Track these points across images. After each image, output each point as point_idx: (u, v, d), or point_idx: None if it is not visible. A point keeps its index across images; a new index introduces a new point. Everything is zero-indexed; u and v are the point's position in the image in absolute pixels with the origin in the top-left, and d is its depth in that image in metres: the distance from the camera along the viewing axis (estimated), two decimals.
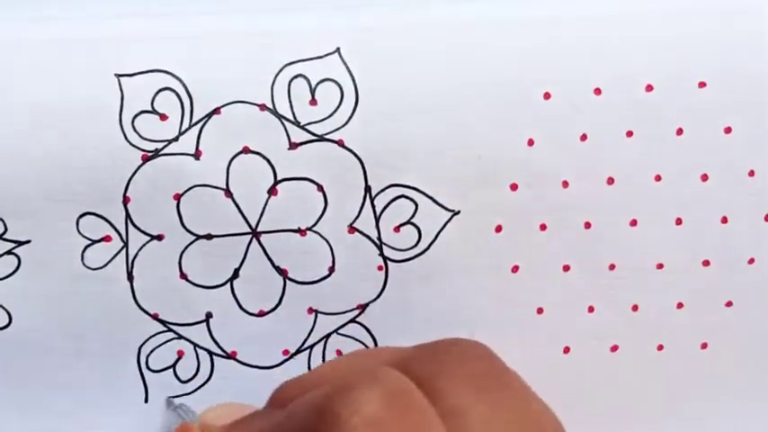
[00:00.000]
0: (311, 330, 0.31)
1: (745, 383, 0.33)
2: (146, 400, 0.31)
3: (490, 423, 0.21)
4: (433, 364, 0.22)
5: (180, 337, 0.30)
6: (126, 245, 0.29)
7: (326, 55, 0.29)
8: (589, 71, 0.30)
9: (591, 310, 0.32)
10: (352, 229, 0.30)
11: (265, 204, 0.30)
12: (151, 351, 0.30)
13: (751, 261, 0.32)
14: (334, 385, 0.21)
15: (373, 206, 0.30)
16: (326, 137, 0.29)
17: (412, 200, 0.30)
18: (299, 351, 0.31)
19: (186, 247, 0.30)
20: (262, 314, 0.31)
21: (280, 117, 0.29)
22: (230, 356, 0.31)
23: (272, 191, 0.29)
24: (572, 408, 0.33)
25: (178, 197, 0.29)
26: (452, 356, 0.22)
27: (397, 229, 0.30)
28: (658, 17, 0.30)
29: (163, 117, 0.29)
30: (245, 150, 0.29)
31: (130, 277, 0.30)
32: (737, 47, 0.30)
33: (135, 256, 0.29)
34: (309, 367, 0.31)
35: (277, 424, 0.23)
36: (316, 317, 0.31)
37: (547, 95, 0.30)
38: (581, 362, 0.32)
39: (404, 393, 0.21)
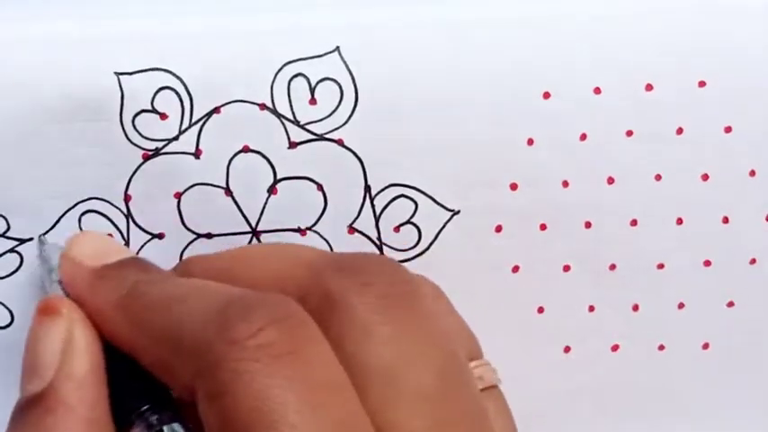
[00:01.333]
0: None
1: (746, 383, 0.33)
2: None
3: (396, 342, 0.21)
4: (347, 278, 0.22)
5: None
6: (127, 243, 0.29)
7: (326, 54, 0.29)
8: (589, 71, 0.30)
9: (591, 309, 0.32)
10: (351, 229, 0.30)
11: (265, 203, 0.30)
12: None
13: (752, 261, 0.32)
14: (234, 298, 0.21)
15: (373, 206, 0.30)
16: (326, 136, 0.29)
17: (412, 199, 0.30)
18: None
19: (186, 246, 0.30)
20: None
21: (279, 116, 0.29)
22: None
23: (272, 190, 0.30)
24: (572, 407, 0.33)
25: (178, 196, 0.29)
26: (367, 273, 0.22)
27: (396, 228, 0.30)
28: (658, 17, 0.30)
29: (163, 116, 0.29)
30: (245, 149, 0.29)
31: None
32: (737, 47, 0.30)
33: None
34: None
35: (163, 297, 0.22)
36: None
37: (547, 95, 0.30)
38: (581, 362, 0.32)
39: (300, 321, 0.21)
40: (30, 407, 0.23)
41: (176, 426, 0.22)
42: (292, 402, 0.19)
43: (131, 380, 0.24)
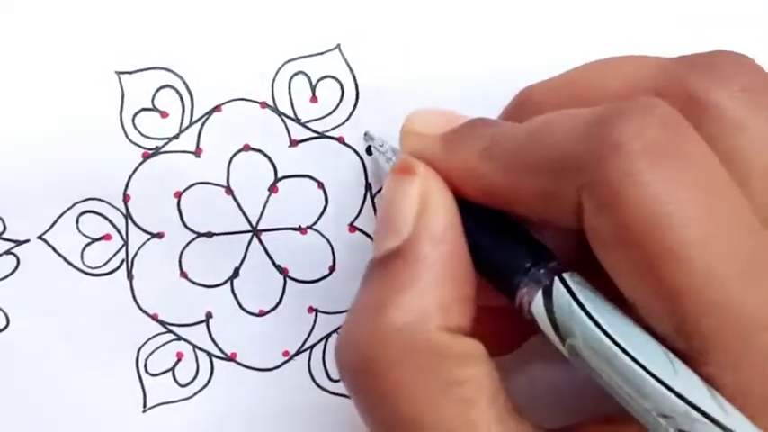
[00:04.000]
0: (311, 330, 0.31)
1: None
2: (144, 405, 0.30)
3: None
4: (704, 76, 0.21)
5: (179, 338, 0.30)
6: (126, 243, 0.29)
7: (327, 51, 0.29)
8: None
9: None
10: (352, 227, 0.30)
11: (266, 202, 0.29)
12: (150, 354, 0.30)
13: None
14: (605, 109, 0.20)
15: (373, 203, 0.30)
16: (327, 134, 0.29)
17: None
18: (298, 352, 0.31)
19: (186, 246, 0.29)
20: (262, 314, 0.30)
21: (280, 114, 0.29)
22: (230, 358, 0.31)
23: (272, 188, 0.29)
24: None
25: (179, 195, 0.29)
26: (723, 69, 0.21)
27: None
28: (658, 17, 0.30)
29: (163, 114, 0.29)
30: (246, 148, 0.29)
31: (130, 276, 0.29)
32: (737, 47, 0.30)
33: (135, 255, 0.29)
34: (309, 369, 0.31)
35: (524, 136, 0.22)
36: (316, 316, 0.31)
37: None
38: None
39: (678, 122, 0.20)
40: (386, 262, 0.23)
41: (573, 274, 0.21)
42: (688, 203, 0.19)
43: (503, 242, 0.23)
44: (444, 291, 0.22)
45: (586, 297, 0.21)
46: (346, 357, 0.23)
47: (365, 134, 0.29)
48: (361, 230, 0.30)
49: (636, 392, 0.20)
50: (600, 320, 0.20)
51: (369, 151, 0.30)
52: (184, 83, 0.29)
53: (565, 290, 0.21)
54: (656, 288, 0.19)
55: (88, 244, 0.29)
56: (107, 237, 0.29)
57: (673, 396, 0.19)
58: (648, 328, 0.20)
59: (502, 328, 0.24)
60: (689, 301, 0.19)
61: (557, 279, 0.21)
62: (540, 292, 0.21)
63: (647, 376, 0.19)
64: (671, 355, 0.20)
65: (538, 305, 0.21)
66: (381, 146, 0.28)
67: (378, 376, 0.22)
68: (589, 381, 0.21)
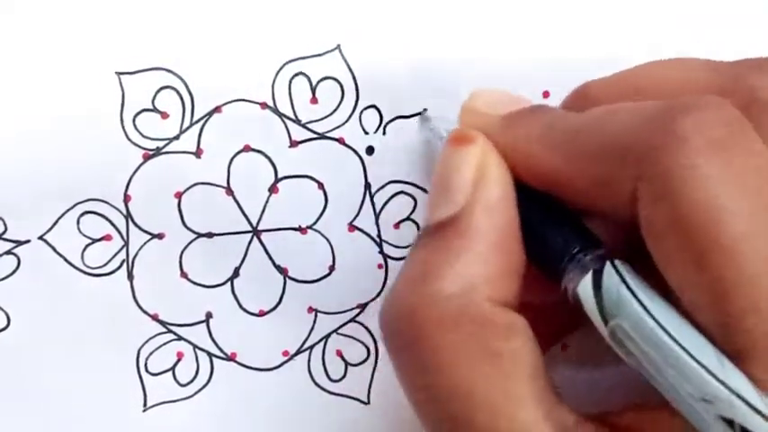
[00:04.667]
0: (311, 330, 0.31)
1: None
2: (144, 404, 0.30)
3: None
4: (763, 77, 0.22)
5: (179, 338, 0.30)
6: (126, 244, 0.29)
7: (327, 52, 0.29)
8: (589, 71, 0.30)
9: None
10: (352, 227, 0.30)
11: (266, 202, 0.30)
12: (150, 353, 0.30)
13: None
14: (670, 102, 0.21)
15: (373, 203, 0.30)
16: (327, 135, 0.29)
17: (411, 196, 0.30)
18: (298, 352, 0.31)
19: (187, 246, 0.30)
20: (262, 314, 0.30)
21: (280, 115, 0.29)
22: (230, 358, 0.31)
23: (272, 189, 0.30)
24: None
25: (179, 195, 0.29)
26: None
27: (396, 225, 0.30)
28: (658, 17, 0.30)
29: (164, 115, 0.29)
30: (246, 148, 0.29)
31: (130, 276, 0.29)
32: (737, 47, 0.31)
33: (135, 255, 0.29)
34: (309, 369, 0.31)
35: (584, 123, 0.22)
36: (315, 316, 0.31)
37: (546, 95, 0.30)
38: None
39: (741, 121, 0.20)
40: (439, 230, 0.23)
41: (623, 262, 0.22)
42: (745, 200, 0.19)
43: (553, 226, 0.23)
44: (493, 263, 0.22)
45: (636, 283, 0.21)
46: (391, 320, 0.23)
47: (424, 110, 0.29)
48: (360, 230, 0.30)
49: (680, 376, 0.20)
50: (648, 305, 0.20)
51: (369, 151, 0.30)
52: (185, 83, 0.29)
53: (616, 274, 0.21)
54: (704, 281, 0.19)
55: (89, 244, 0.29)
56: (107, 237, 0.29)
57: (716, 382, 0.19)
58: (693, 322, 0.20)
59: (542, 323, 0.24)
60: (736, 297, 0.19)
61: (608, 263, 0.22)
62: (590, 274, 0.22)
63: (692, 362, 0.20)
64: (715, 347, 0.20)
65: (585, 287, 0.22)
66: (435, 128, 0.28)
67: (421, 341, 0.22)
68: (625, 371, 0.22)
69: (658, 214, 0.20)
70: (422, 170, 0.30)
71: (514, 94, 0.26)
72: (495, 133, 0.24)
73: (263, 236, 0.30)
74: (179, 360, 0.30)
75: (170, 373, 0.30)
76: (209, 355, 0.31)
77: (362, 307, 0.31)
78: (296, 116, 0.29)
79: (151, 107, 0.29)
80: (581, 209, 0.23)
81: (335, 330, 0.31)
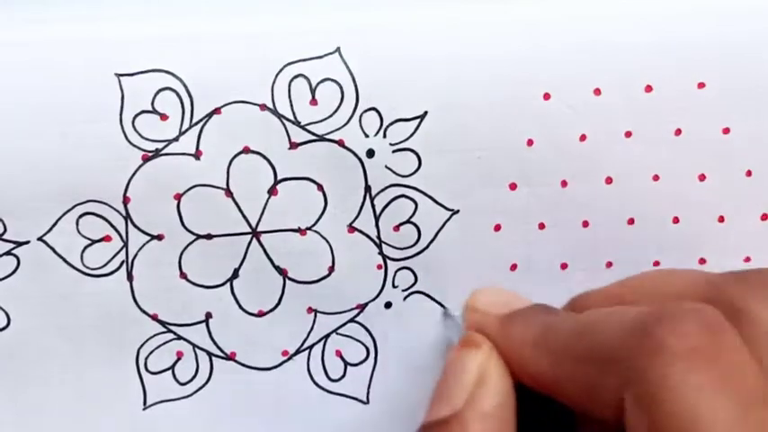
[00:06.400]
0: (310, 330, 0.31)
1: None
2: (144, 402, 0.31)
3: None
4: (750, 289, 0.22)
5: (179, 337, 0.30)
6: (126, 245, 0.29)
7: (327, 55, 0.29)
8: (589, 71, 0.30)
9: None
10: (351, 228, 0.30)
11: (265, 204, 0.29)
12: (150, 353, 0.30)
13: (747, 260, 0.32)
14: (653, 309, 0.21)
15: (373, 205, 0.30)
16: (327, 137, 0.29)
17: (412, 199, 0.30)
18: (298, 352, 0.31)
19: (186, 247, 0.29)
20: (261, 314, 0.30)
21: (280, 117, 0.29)
22: (229, 358, 0.31)
23: (272, 191, 0.29)
24: None
25: (178, 197, 0.29)
26: (764, 282, 0.22)
27: (396, 228, 0.30)
28: (658, 17, 0.30)
29: (163, 117, 0.29)
30: (246, 150, 0.29)
31: (130, 277, 0.29)
32: (736, 48, 0.30)
33: (135, 256, 0.29)
34: (309, 368, 0.31)
35: (574, 328, 0.23)
36: (315, 317, 0.31)
37: (547, 96, 0.30)
38: None
39: (722, 328, 0.21)
40: (434, 429, 0.24)
41: None
42: (722, 414, 0.19)
43: (543, 423, 0.24)
44: None
45: None
46: None
47: (444, 311, 0.31)
48: (360, 231, 0.30)
49: None
50: None
51: (369, 154, 0.30)
52: (184, 85, 0.28)
53: None
54: None
55: (88, 245, 0.29)
56: (107, 238, 0.29)
57: None
58: None
59: None
60: None
61: None
62: None
63: None
64: None
65: None
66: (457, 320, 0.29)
67: None
68: None
69: (641, 422, 0.20)
70: (424, 173, 0.30)
71: (514, 293, 0.27)
72: (494, 333, 0.25)
73: (263, 237, 0.30)
74: (179, 359, 0.31)
75: (170, 371, 0.31)
76: (209, 354, 0.31)
77: (362, 307, 0.31)
78: (295, 118, 0.29)
79: (150, 109, 0.28)
80: (578, 412, 0.24)
81: (335, 330, 0.31)
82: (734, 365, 0.20)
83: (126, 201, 0.29)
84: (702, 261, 0.32)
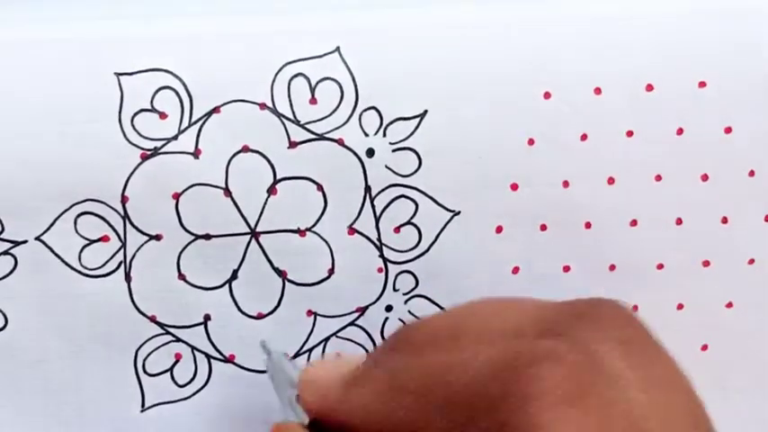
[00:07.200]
0: (310, 333, 0.31)
1: (745, 384, 0.33)
2: (142, 404, 0.30)
3: (643, 381, 0.21)
4: (584, 328, 0.22)
5: (177, 339, 0.30)
6: (124, 245, 0.29)
7: (326, 54, 0.29)
8: (589, 71, 0.30)
9: None
10: (351, 230, 0.30)
11: (265, 204, 0.29)
12: (148, 354, 0.30)
13: (751, 262, 0.32)
14: (516, 351, 0.21)
15: (373, 206, 0.30)
16: (326, 136, 0.29)
17: (412, 200, 0.30)
18: (297, 354, 0.31)
19: (185, 248, 0.29)
20: (260, 316, 0.30)
21: (280, 116, 0.29)
22: (228, 360, 0.30)
23: (271, 190, 0.29)
24: None
25: (177, 196, 0.29)
26: (602, 321, 0.22)
27: (397, 229, 0.30)
28: (658, 17, 0.30)
29: (162, 116, 0.29)
30: (245, 149, 0.29)
31: (128, 278, 0.29)
32: (737, 47, 0.30)
33: (133, 257, 0.29)
34: None
35: (424, 377, 0.22)
36: (315, 319, 0.31)
37: (547, 95, 0.30)
38: None
39: (586, 369, 0.20)
40: None
41: None
42: None
43: None
44: None
45: None
46: None
47: (263, 345, 0.29)
48: (360, 233, 0.30)
49: None
50: None
51: (369, 153, 0.30)
52: (183, 84, 0.28)
53: None
54: None
55: (86, 245, 0.29)
56: (105, 238, 0.29)
57: None
58: None
59: None
60: None
61: None
62: None
63: None
64: None
65: None
66: (277, 367, 0.28)
67: None
68: None
69: None
70: (424, 174, 0.30)
71: (349, 354, 0.26)
72: (338, 399, 0.24)
73: (262, 238, 0.30)
74: (177, 361, 0.30)
75: (168, 373, 0.30)
76: (208, 356, 0.30)
77: (362, 310, 0.31)
78: (295, 117, 0.29)
79: (150, 107, 0.28)
80: None
81: (335, 333, 0.31)
82: (597, 409, 0.20)
83: (124, 200, 0.29)
84: (707, 263, 0.32)
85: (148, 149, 0.29)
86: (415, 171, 0.30)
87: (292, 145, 0.29)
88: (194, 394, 0.31)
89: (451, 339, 0.23)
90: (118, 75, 0.28)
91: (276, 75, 0.29)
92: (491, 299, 0.25)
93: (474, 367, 0.21)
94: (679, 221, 0.31)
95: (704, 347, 0.33)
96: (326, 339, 0.31)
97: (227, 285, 0.30)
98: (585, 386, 0.20)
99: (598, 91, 0.30)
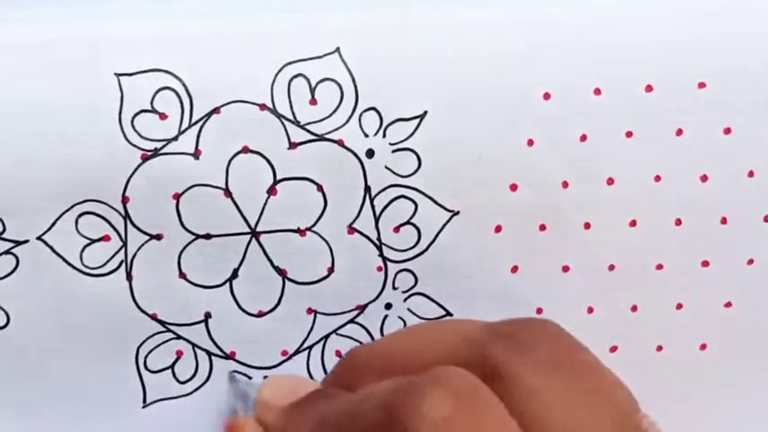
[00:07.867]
0: (310, 331, 0.31)
1: (745, 384, 0.33)
2: (144, 401, 0.31)
3: (564, 400, 0.21)
4: (509, 349, 0.22)
5: (178, 337, 0.30)
6: (125, 244, 0.29)
7: (326, 55, 0.29)
8: (589, 71, 0.30)
9: (590, 310, 0.32)
10: (351, 229, 0.30)
11: (265, 204, 0.29)
12: (149, 351, 0.30)
13: (750, 262, 0.32)
14: (400, 385, 0.21)
15: (373, 206, 0.30)
16: (326, 136, 0.29)
17: (411, 200, 0.30)
18: (297, 352, 0.31)
19: (185, 247, 0.29)
20: (261, 314, 0.30)
21: (279, 116, 0.29)
22: (229, 357, 0.31)
23: (271, 190, 0.29)
24: None
25: (177, 197, 0.29)
26: (523, 340, 0.22)
27: (396, 229, 0.30)
28: (658, 17, 0.30)
29: (162, 116, 0.29)
30: (245, 150, 0.29)
31: (129, 277, 0.29)
32: (737, 47, 0.30)
33: (134, 256, 0.29)
34: (308, 369, 0.31)
35: (342, 416, 0.23)
36: (315, 317, 0.31)
37: (547, 96, 0.30)
38: None
39: (472, 394, 0.21)
40: None
41: None
42: None
43: None
44: None
45: None
46: None
47: (230, 374, 0.30)
48: (360, 232, 0.30)
49: None
50: None
51: (369, 154, 0.30)
52: (184, 84, 0.29)
53: None
54: None
55: (87, 245, 0.29)
56: (106, 238, 0.29)
57: None
58: None
59: None
60: None
61: None
62: None
63: None
64: None
65: None
66: (241, 392, 0.29)
67: None
68: None
69: None
70: (424, 174, 0.30)
71: (300, 379, 0.27)
72: (278, 426, 0.25)
73: (262, 237, 0.30)
74: (178, 358, 0.31)
75: (169, 370, 0.31)
76: (209, 353, 0.31)
77: (362, 308, 0.31)
78: (295, 117, 0.29)
79: (150, 108, 0.28)
80: None
81: (335, 331, 0.31)
82: (492, 428, 0.20)
83: (125, 200, 0.29)
84: (706, 263, 0.32)
85: (149, 150, 0.29)
86: (415, 171, 0.30)
87: (292, 146, 0.29)
88: (195, 390, 0.31)
89: (383, 368, 0.24)
90: (118, 75, 0.28)
91: (276, 75, 0.29)
92: (432, 323, 0.26)
93: (374, 402, 0.21)
94: (678, 222, 0.31)
95: (703, 347, 0.33)
96: (326, 337, 0.31)
97: (227, 284, 0.30)
98: (475, 411, 0.20)
99: (598, 91, 0.30)
